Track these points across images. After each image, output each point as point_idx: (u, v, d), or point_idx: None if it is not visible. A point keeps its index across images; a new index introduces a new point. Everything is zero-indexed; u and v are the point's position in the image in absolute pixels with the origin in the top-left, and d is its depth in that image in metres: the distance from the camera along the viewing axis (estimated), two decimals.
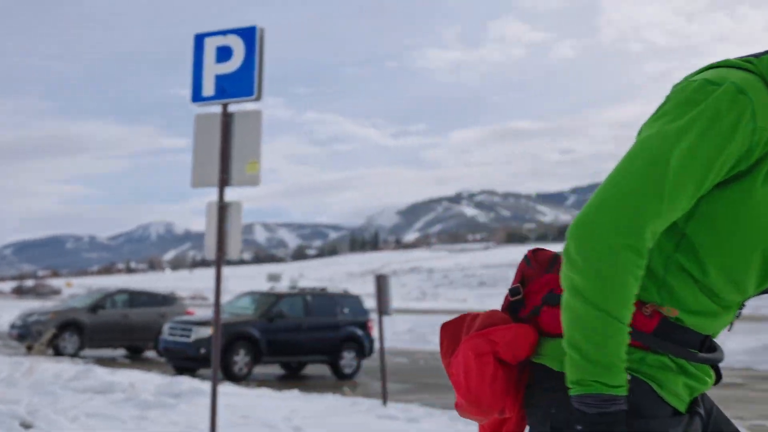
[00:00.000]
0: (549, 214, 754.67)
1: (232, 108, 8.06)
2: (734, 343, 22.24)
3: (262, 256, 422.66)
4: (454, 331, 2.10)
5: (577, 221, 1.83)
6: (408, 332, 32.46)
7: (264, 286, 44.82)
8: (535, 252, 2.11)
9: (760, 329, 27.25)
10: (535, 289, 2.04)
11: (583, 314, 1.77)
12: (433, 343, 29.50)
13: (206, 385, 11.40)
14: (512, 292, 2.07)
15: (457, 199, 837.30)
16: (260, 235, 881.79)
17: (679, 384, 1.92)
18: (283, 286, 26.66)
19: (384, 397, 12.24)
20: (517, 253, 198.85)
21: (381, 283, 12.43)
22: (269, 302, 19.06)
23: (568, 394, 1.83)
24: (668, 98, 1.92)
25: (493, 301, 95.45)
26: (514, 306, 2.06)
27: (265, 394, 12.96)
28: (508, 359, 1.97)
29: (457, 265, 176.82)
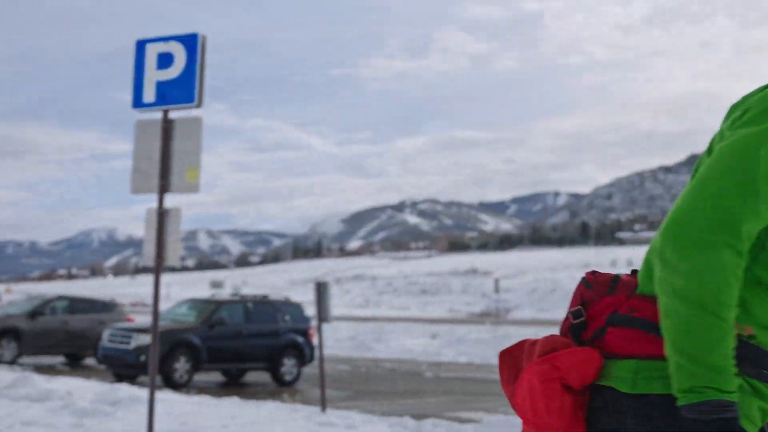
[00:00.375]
0: (490, 223, 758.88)
1: (173, 114, 8.08)
2: None
3: (206, 263, 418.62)
4: (514, 358, 2.07)
5: (670, 222, 1.81)
6: (350, 339, 32.59)
7: (207, 293, 44.66)
8: (594, 274, 2.08)
9: None
10: (596, 311, 2.02)
11: (690, 317, 1.74)
12: (375, 350, 29.57)
13: (145, 393, 11.34)
14: (574, 314, 2.05)
15: (400, 207, 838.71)
16: (203, 242, 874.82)
17: (753, 407, 1.85)
18: (225, 293, 26.54)
19: (323, 404, 12.28)
20: (459, 261, 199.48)
21: (321, 290, 12.47)
22: (210, 309, 18.98)
23: (635, 416, 1.83)
24: (745, 110, 1.91)
25: (435, 308, 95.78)
26: (575, 329, 2.04)
27: (205, 401, 12.91)
28: (574, 384, 1.95)
29: (401, 272, 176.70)
